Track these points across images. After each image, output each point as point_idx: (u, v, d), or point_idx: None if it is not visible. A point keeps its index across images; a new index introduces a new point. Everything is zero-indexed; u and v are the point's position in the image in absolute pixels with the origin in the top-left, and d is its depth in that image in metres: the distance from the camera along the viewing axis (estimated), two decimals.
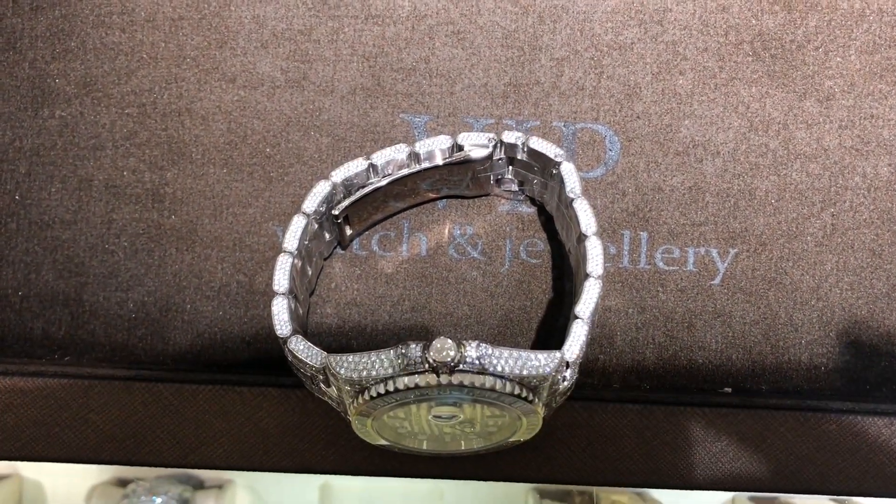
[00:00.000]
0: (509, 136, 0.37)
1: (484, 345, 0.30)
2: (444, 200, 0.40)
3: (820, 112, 0.41)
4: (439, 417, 0.32)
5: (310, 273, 0.37)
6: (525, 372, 0.30)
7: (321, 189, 0.35)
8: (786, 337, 0.40)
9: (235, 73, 0.40)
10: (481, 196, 0.40)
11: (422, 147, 0.37)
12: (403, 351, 0.30)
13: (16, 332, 0.38)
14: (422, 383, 0.29)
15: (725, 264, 0.40)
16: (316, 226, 0.36)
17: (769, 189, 0.40)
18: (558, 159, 0.36)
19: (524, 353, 0.31)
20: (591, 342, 0.39)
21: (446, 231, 0.40)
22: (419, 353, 0.30)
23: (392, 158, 0.37)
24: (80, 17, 0.40)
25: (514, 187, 0.39)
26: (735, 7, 0.41)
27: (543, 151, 0.37)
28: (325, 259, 0.39)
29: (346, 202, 0.36)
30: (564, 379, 0.33)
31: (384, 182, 0.37)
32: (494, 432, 0.34)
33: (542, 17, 0.41)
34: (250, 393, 0.37)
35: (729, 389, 0.39)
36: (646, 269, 0.40)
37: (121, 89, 0.40)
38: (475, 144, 0.37)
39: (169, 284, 0.39)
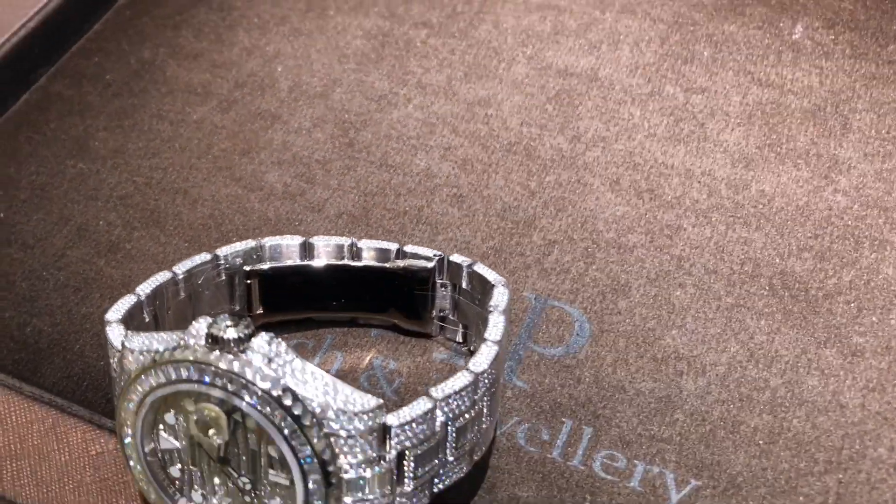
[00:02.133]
0: (455, 258, 0.34)
1: (285, 346, 0.24)
2: (377, 330, 0.36)
3: (842, 365, 0.34)
4: (207, 423, 0.25)
5: None
6: (330, 401, 0.24)
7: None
8: None
9: (243, 175, 0.41)
10: (421, 335, 0.35)
11: (364, 244, 0.34)
12: (195, 326, 0.25)
13: None
14: (179, 356, 0.24)
15: (680, 495, 0.31)
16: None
17: (759, 427, 0.32)
18: (497, 283, 0.32)
19: (340, 384, 0.24)
20: None
21: (367, 359, 0.35)
22: (204, 327, 0.25)
23: (328, 243, 0.34)
24: (143, 109, 0.44)
25: (458, 337, 0.35)
26: (758, 242, 0.37)
27: (485, 276, 0.33)
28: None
29: (265, 266, 0.34)
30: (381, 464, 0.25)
31: (318, 265, 0.34)
32: None
33: (547, 204, 0.39)
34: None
35: None
36: (578, 468, 0.32)
37: (143, 162, 0.42)
38: (420, 256, 0.34)
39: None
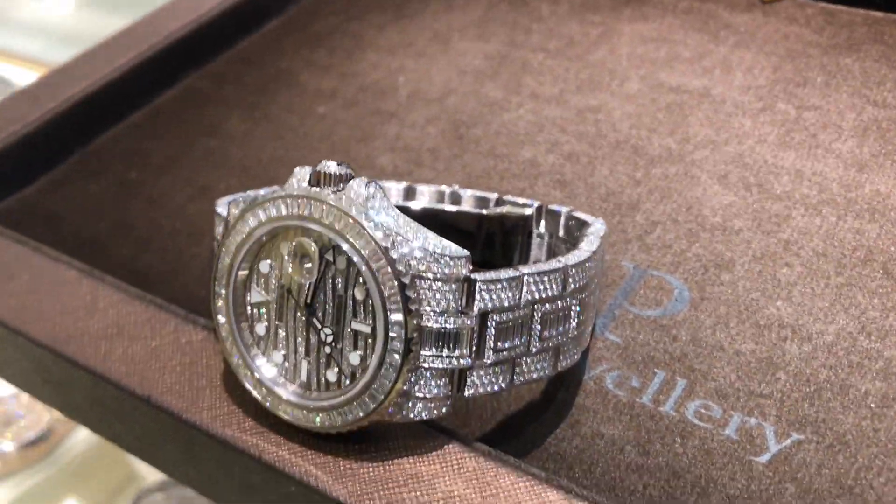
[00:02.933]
0: (554, 206, 0.34)
1: (382, 190, 0.25)
2: None
3: None
4: (301, 259, 0.25)
5: None
6: (420, 243, 0.24)
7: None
8: None
9: (357, 157, 0.43)
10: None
11: (465, 191, 0.35)
12: (299, 170, 0.26)
13: None
14: (281, 194, 0.25)
15: (781, 446, 0.28)
16: None
17: (871, 392, 0.30)
18: (594, 221, 0.32)
19: (432, 234, 0.25)
20: (560, 452, 0.29)
21: None
22: (308, 169, 0.26)
23: (429, 189, 0.35)
24: (274, 104, 0.48)
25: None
26: (872, 233, 0.36)
27: (583, 218, 0.33)
28: None
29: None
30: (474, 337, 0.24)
31: (416, 206, 0.35)
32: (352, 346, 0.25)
33: (652, 191, 0.39)
34: None
35: None
36: (669, 413, 0.30)
37: (267, 143, 0.45)
38: (519, 204, 0.35)
39: None
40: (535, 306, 0.26)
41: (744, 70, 0.46)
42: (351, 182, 0.25)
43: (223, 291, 0.27)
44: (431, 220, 0.35)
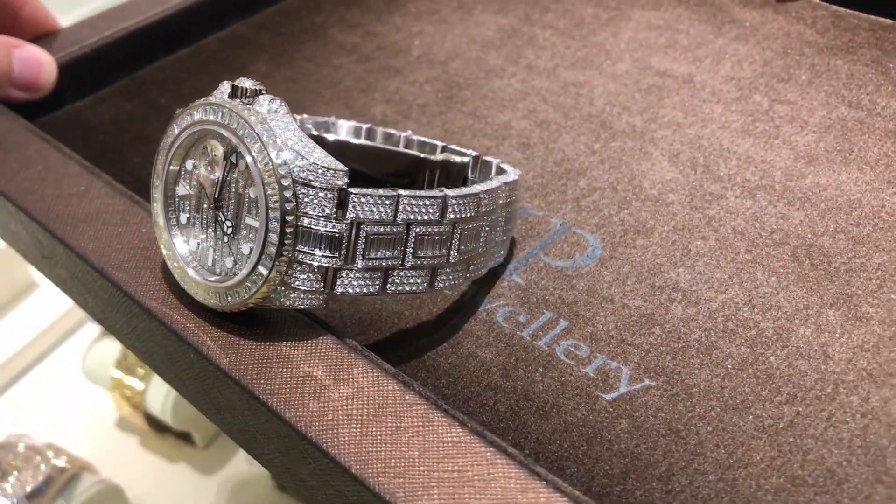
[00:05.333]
0: (488, 158, 0.37)
1: (286, 107, 0.29)
2: None
3: (842, 325, 0.32)
4: (212, 159, 0.30)
5: None
6: (305, 154, 0.28)
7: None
8: (648, 487, 0.28)
9: (355, 105, 0.48)
10: None
11: (416, 137, 0.39)
12: (223, 84, 0.31)
13: None
14: (204, 102, 0.30)
15: (630, 388, 0.31)
16: None
17: (734, 355, 0.32)
18: (511, 170, 0.35)
19: (319, 148, 0.29)
20: (435, 366, 0.32)
21: None
22: (228, 84, 0.30)
23: (385, 133, 0.39)
24: (298, 53, 0.53)
25: None
26: (795, 219, 0.37)
27: (506, 168, 0.36)
28: None
29: (329, 136, 0.39)
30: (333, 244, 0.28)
31: (370, 144, 0.39)
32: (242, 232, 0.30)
33: (604, 161, 0.42)
34: None
35: None
36: (541, 347, 0.33)
37: (282, 84, 0.50)
38: (459, 152, 0.38)
39: None
40: (411, 226, 0.30)
41: (734, 62, 0.47)
42: (259, 97, 0.29)
43: (158, 183, 0.32)
44: (386, 159, 0.39)
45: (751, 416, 0.30)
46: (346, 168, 0.28)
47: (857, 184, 0.39)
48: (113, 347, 0.72)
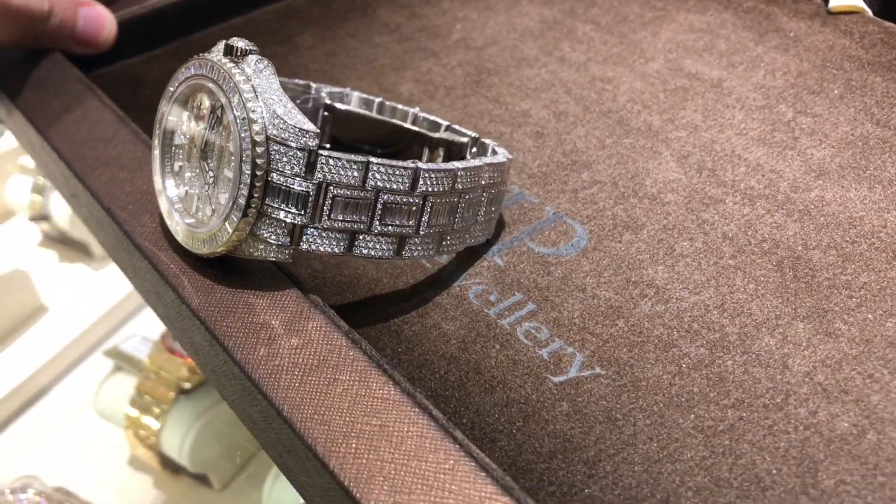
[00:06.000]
0: (487, 140, 0.38)
1: (272, 69, 0.31)
2: None
3: (809, 339, 0.32)
4: (201, 112, 0.32)
5: None
6: (281, 114, 0.29)
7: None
8: (572, 469, 0.28)
9: (385, 83, 0.49)
10: None
11: (423, 115, 0.40)
12: (220, 43, 0.32)
13: None
14: (198, 58, 0.32)
15: (579, 374, 0.31)
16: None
17: (690, 355, 0.32)
18: (501, 152, 0.36)
19: (297, 110, 0.30)
20: (398, 332, 0.33)
21: None
22: (223, 43, 0.32)
23: (396, 108, 0.41)
24: (342, 28, 0.54)
25: None
26: (790, 230, 0.37)
27: (498, 151, 0.37)
28: None
29: (341, 106, 0.41)
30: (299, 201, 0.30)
31: (380, 118, 0.41)
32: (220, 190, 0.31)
33: (611, 156, 0.42)
34: None
35: None
36: (503, 326, 0.34)
37: (320, 57, 0.52)
38: (461, 132, 0.39)
39: None
40: (380, 193, 0.31)
41: (768, 70, 0.47)
42: (249, 56, 0.31)
43: (157, 131, 0.34)
44: (394, 134, 0.40)
45: (692, 416, 0.30)
46: (318, 130, 0.30)
47: (863, 201, 0.38)
48: (127, 384, 0.70)
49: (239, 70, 0.31)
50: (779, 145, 0.41)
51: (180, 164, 0.34)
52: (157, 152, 0.34)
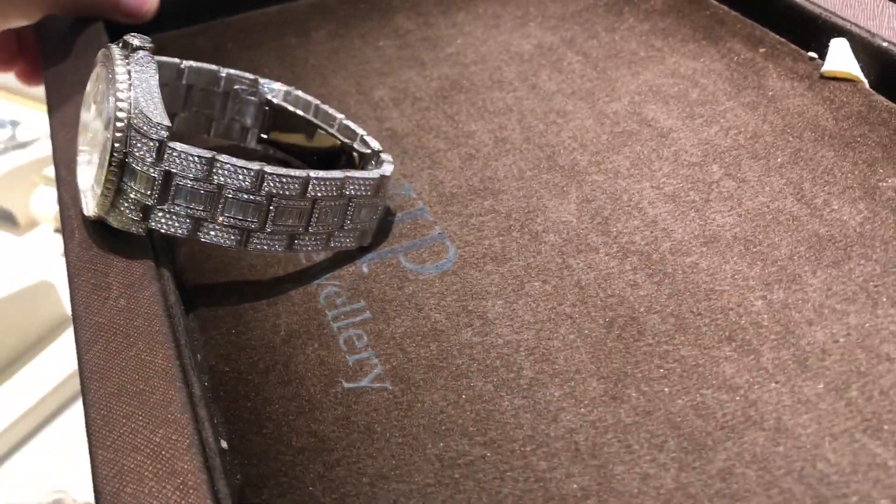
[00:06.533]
0: (384, 155, 0.41)
1: (153, 66, 0.35)
2: None
3: (593, 399, 0.32)
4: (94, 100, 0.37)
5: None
6: (143, 106, 0.34)
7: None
8: (309, 467, 0.31)
9: (363, 86, 0.52)
10: None
11: (350, 122, 0.43)
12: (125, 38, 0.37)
13: None
14: (105, 52, 0.36)
15: (369, 384, 0.34)
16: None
17: (475, 388, 0.33)
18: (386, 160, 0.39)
19: (161, 105, 0.34)
20: (235, 308, 0.37)
21: None
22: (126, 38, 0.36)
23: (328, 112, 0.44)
24: (355, 29, 0.58)
25: None
26: (643, 290, 0.37)
27: (385, 162, 0.40)
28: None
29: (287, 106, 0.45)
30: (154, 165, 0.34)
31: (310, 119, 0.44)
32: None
33: (526, 193, 0.43)
34: None
35: None
36: (331, 325, 0.36)
37: (327, 52, 0.56)
38: (369, 144, 0.42)
39: None
40: (223, 189, 0.34)
41: (724, 127, 0.46)
42: (138, 52, 0.35)
43: (88, 101, 0.39)
44: (321, 136, 0.44)
45: (441, 444, 0.31)
46: (169, 124, 0.34)
47: (734, 277, 0.37)
48: None
49: (124, 63, 0.35)
50: (686, 205, 0.41)
51: (90, 134, 0.39)
52: (80, 124, 0.40)
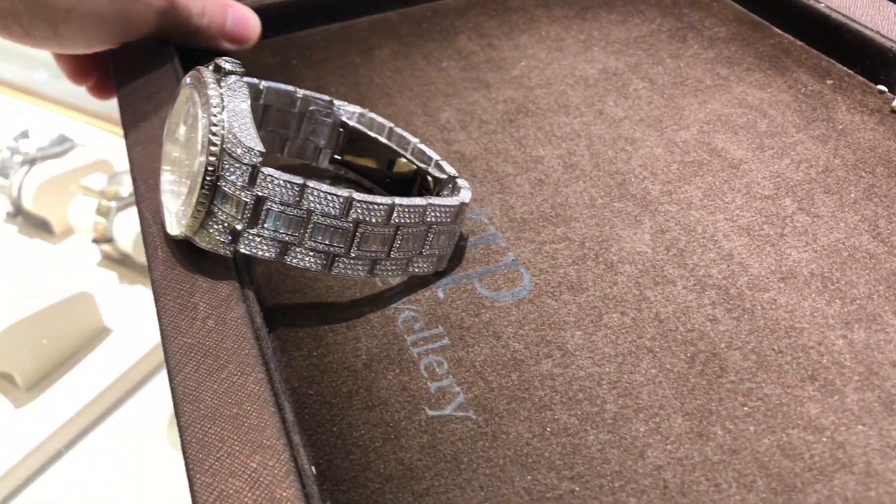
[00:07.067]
0: (461, 181, 0.41)
1: (245, 91, 0.36)
2: None
3: (679, 436, 0.33)
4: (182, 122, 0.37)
5: None
6: (237, 131, 0.34)
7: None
8: (398, 495, 0.31)
9: (428, 107, 0.53)
10: None
11: (424, 147, 0.43)
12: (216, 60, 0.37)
13: None
14: (195, 73, 0.37)
15: (452, 413, 0.34)
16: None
17: (559, 421, 0.33)
18: (463, 187, 0.40)
19: (254, 131, 0.35)
20: (315, 330, 0.37)
21: None
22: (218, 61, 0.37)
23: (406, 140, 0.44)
24: (419, 49, 0.58)
25: None
26: (723, 325, 0.37)
27: (462, 186, 0.40)
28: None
29: (359, 128, 0.45)
30: (244, 189, 0.34)
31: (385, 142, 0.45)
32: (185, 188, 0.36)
33: (596, 222, 0.43)
34: None
35: None
36: (412, 352, 0.36)
37: (393, 69, 0.56)
38: (445, 170, 0.42)
39: None
40: (312, 214, 0.35)
41: (794, 160, 0.46)
42: (230, 76, 0.36)
43: (168, 123, 0.40)
44: (394, 160, 0.44)
45: (529, 477, 0.32)
46: (262, 149, 0.34)
47: (812, 314, 0.37)
48: None
49: (216, 87, 0.35)
50: (761, 239, 0.41)
51: (176, 154, 0.39)
52: (165, 149, 0.40)
